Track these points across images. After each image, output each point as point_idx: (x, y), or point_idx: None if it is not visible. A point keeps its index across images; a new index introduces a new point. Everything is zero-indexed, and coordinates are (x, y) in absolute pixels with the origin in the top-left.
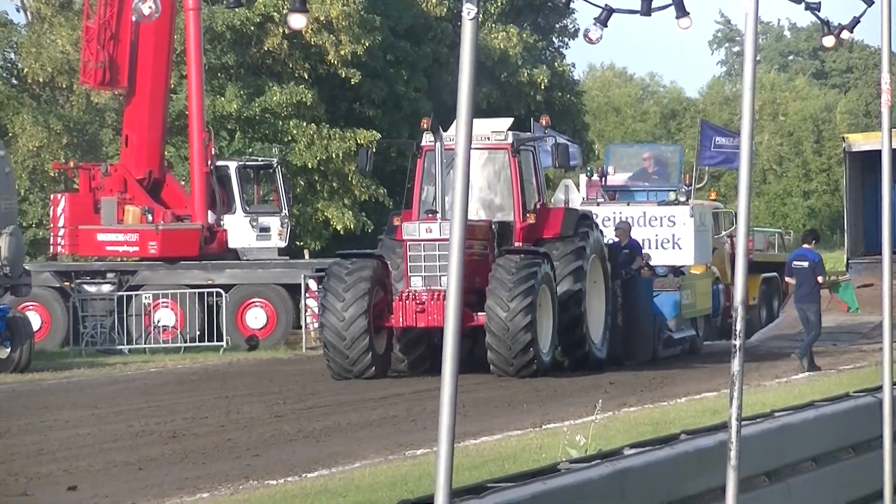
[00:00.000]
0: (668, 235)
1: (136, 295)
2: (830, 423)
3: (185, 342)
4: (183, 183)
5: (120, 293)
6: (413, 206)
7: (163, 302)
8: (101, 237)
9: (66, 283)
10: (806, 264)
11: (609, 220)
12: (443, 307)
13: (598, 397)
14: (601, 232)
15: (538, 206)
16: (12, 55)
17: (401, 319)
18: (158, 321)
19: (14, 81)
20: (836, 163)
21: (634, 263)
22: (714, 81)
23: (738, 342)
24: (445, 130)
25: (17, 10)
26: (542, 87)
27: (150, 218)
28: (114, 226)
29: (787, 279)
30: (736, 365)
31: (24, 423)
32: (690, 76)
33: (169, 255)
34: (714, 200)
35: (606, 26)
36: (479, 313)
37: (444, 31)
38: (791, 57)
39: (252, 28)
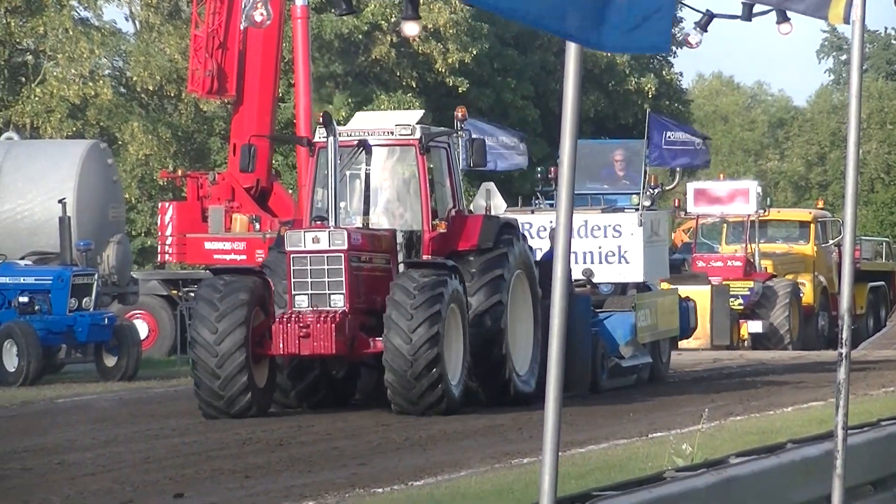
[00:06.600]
0: (614, 248)
1: None
2: None
3: None
4: (291, 192)
5: None
6: (303, 212)
7: None
8: (208, 245)
9: (174, 292)
10: None
11: (544, 229)
12: (331, 331)
13: (704, 406)
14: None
15: (452, 213)
16: (121, 63)
17: (281, 346)
18: None
19: (123, 90)
20: None
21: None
22: (822, 90)
23: (844, 350)
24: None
25: (126, 19)
26: (650, 96)
27: (257, 226)
28: (221, 234)
29: None
30: (842, 374)
31: (130, 431)
32: (798, 84)
33: None
34: (822, 209)
35: (706, 31)
36: (379, 338)
37: (551, 39)
38: None
39: (360, 36)
